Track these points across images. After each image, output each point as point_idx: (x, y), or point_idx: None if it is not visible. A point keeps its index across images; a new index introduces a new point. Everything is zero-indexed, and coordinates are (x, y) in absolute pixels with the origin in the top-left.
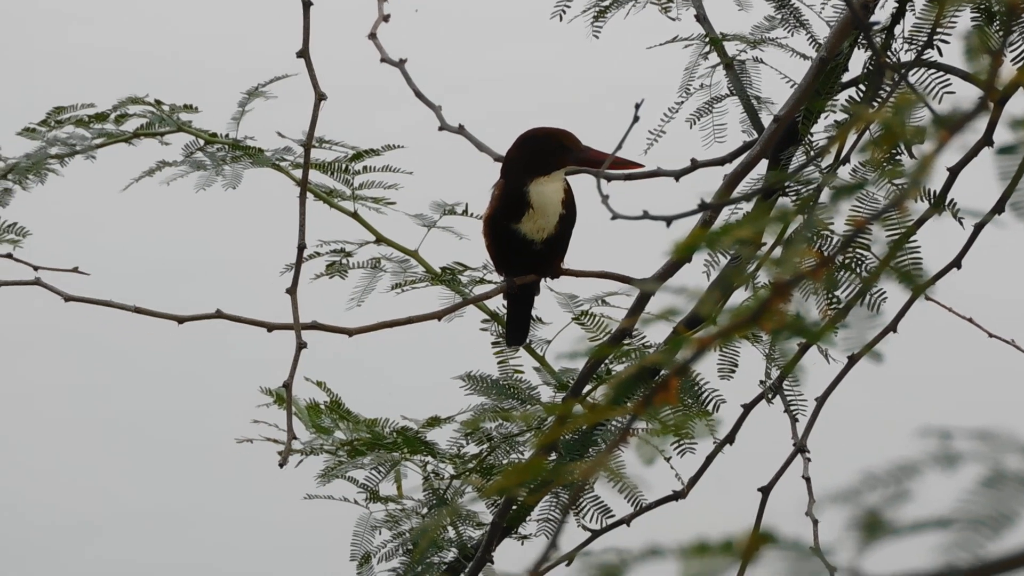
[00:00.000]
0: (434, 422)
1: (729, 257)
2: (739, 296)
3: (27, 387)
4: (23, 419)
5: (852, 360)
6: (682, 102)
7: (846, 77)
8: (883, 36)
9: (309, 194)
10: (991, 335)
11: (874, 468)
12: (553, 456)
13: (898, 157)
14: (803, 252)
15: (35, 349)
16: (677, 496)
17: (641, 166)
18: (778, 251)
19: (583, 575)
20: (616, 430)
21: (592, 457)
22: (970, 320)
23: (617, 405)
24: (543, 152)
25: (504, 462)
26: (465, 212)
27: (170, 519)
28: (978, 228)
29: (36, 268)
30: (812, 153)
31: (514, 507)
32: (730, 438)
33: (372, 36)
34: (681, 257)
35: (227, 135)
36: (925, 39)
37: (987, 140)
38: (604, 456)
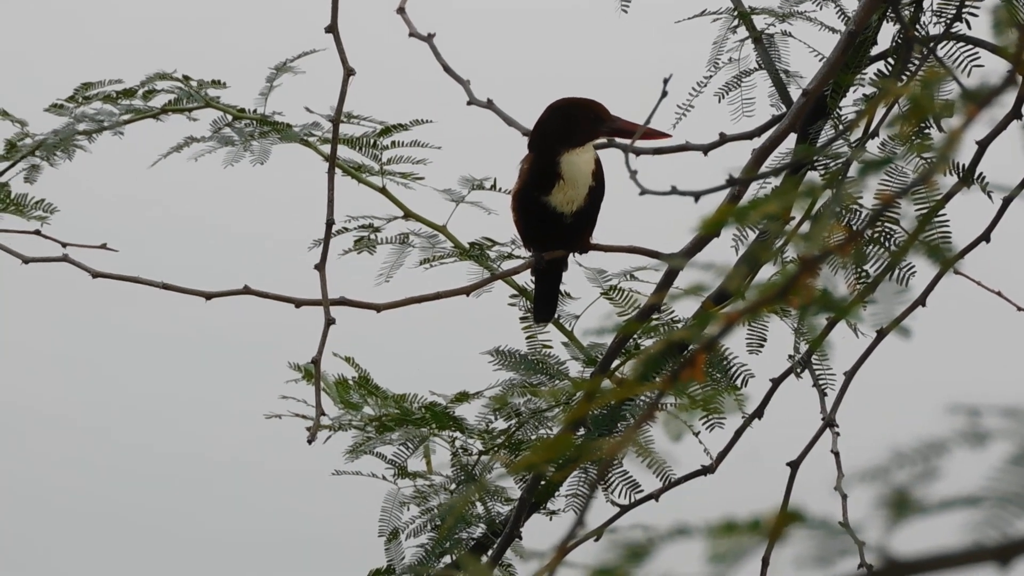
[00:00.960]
0: (462, 397)
1: (758, 232)
2: (767, 271)
3: (52, 361)
4: (48, 395)
5: (881, 334)
6: (710, 76)
7: (875, 50)
8: (912, 9)
9: (337, 170)
10: (1020, 308)
11: (902, 445)
12: (581, 431)
13: (927, 131)
14: (831, 227)
15: (63, 323)
16: (706, 471)
17: (670, 136)
18: (806, 226)
19: (610, 553)
20: (644, 405)
21: (620, 433)
22: (999, 294)
23: (645, 381)
24: (573, 122)
25: (532, 437)
26: (494, 187)
27: (195, 497)
28: (1007, 201)
29: (64, 244)
30: (841, 127)
31: (542, 483)
32: (759, 413)
33: (400, 11)
34: (709, 232)
35: (255, 110)
36: (954, 12)
37: (1016, 114)
38: (631, 432)
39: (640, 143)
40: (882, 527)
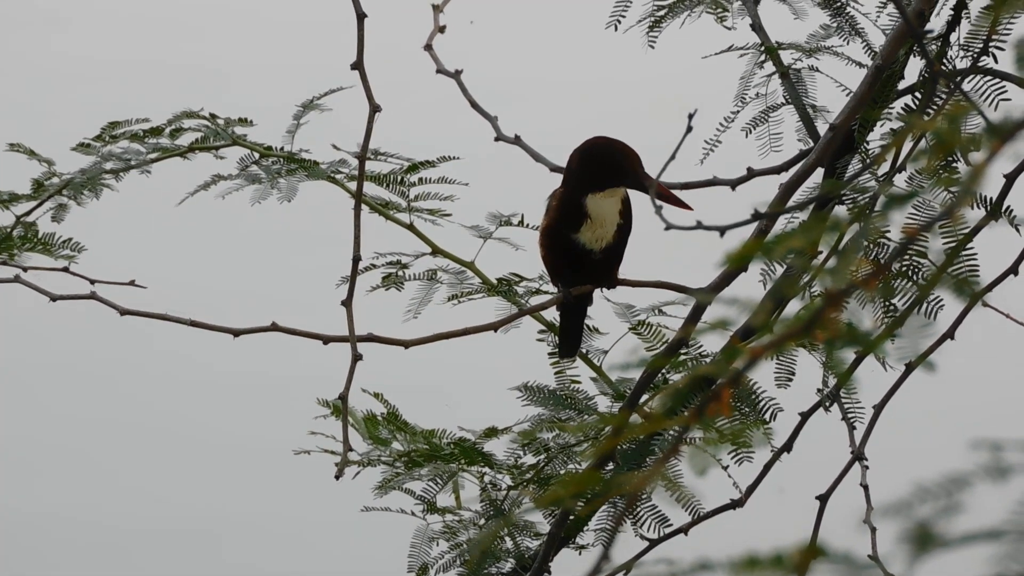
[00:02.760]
0: (491, 433)
1: (785, 267)
2: (794, 306)
3: (82, 399)
4: (82, 430)
5: (909, 367)
6: (738, 111)
7: (902, 85)
8: (939, 44)
9: (364, 206)
10: None
11: (925, 480)
12: (610, 466)
13: (954, 164)
14: (857, 262)
15: (91, 361)
16: (735, 504)
17: (690, 208)
18: (833, 261)
19: None
20: (672, 439)
21: (648, 467)
22: None
23: (671, 415)
24: (601, 169)
25: (561, 472)
26: (521, 223)
27: (224, 532)
28: None
29: (92, 282)
30: (867, 161)
31: (571, 517)
32: (787, 446)
33: (428, 47)
34: (735, 267)
35: (282, 148)
36: (980, 46)
37: None
38: (658, 467)
39: (666, 178)
40: (906, 561)
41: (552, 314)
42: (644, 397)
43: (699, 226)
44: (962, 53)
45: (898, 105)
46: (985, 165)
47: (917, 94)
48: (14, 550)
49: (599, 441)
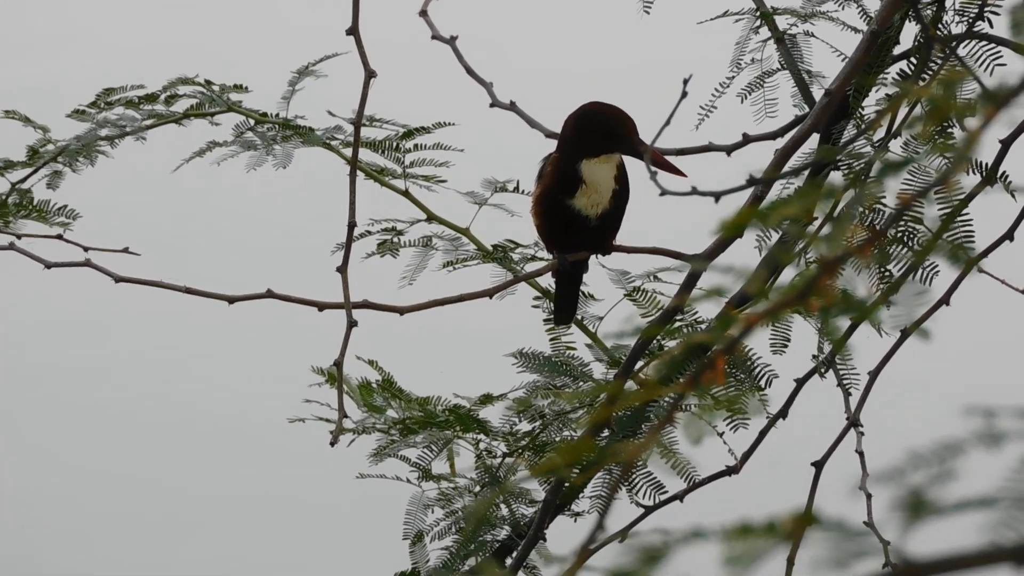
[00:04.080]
0: (486, 400)
1: (780, 233)
2: (789, 273)
3: (76, 368)
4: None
5: (905, 334)
6: (733, 77)
7: (897, 50)
8: (934, 8)
9: (360, 173)
10: None
11: (918, 447)
12: (605, 433)
13: (949, 130)
14: (851, 229)
15: (86, 329)
16: (730, 471)
17: (684, 175)
18: (828, 227)
19: (626, 556)
20: (667, 407)
21: (643, 434)
22: (1023, 292)
23: (667, 383)
24: (595, 134)
25: (557, 439)
26: (516, 189)
27: (217, 501)
28: None
29: (86, 249)
30: (863, 127)
31: (566, 484)
32: (783, 413)
33: (423, 13)
34: (730, 234)
35: (277, 114)
36: (976, 11)
37: None
38: (652, 435)
39: (660, 144)
40: (899, 528)
41: (547, 281)
42: (639, 364)
43: (694, 192)
44: (957, 18)
45: (893, 70)
46: (980, 132)
47: (913, 59)
48: None
49: (594, 408)
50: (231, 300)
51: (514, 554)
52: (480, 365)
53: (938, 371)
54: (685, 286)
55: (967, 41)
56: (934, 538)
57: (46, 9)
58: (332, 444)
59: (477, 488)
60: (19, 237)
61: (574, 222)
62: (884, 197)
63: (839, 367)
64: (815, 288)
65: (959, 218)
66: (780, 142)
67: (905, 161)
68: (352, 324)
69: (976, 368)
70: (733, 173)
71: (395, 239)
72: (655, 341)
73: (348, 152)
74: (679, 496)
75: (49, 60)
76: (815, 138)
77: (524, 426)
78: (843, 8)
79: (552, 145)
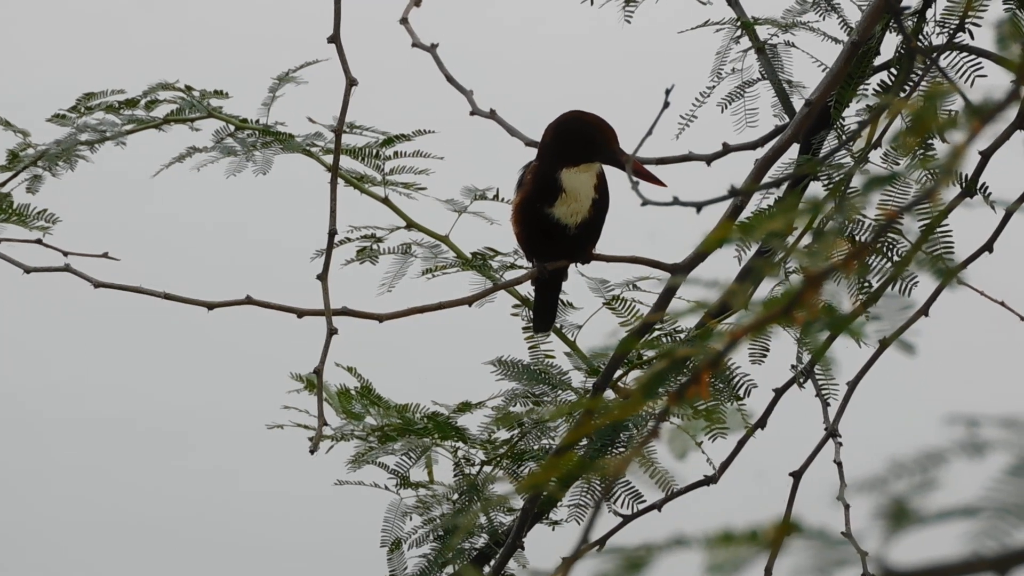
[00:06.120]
0: (465, 407)
1: (760, 244)
2: (769, 284)
3: (54, 374)
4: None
5: (883, 344)
6: (714, 86)
7: (878, 61)
8: (915, 20)
9: (340, 179)
10: (1023, 318)
11: (901, 456)
12: (584, 442)
13: (930, 142)
14: (835, 243)
15: (64, 334)
16: (709, 481)
17: (664, 185)
18: (808, 239)
19: (607, 564)
20: (648, 419)
21: (623, 443)
22: (1002, 304)
23: (651, 396)
24: (575, 143)
25: (535, 448)
26: (496, 197)
27: (195, 507)
28: (1010, 212)
29: (66, 254)
30: (844, 137)
31: (544, 493)
32: (762, 423)
33: (404, 21)
34: (711, 248)
35: (257, 121)
36: (957, 22)
37: (1019, 124)
38: (636, 450)
39: (642, 154)
40: (880, 537)
41: (527, 288)
42: (618, 372)
43: (676, 202)
44: (938, 29)
45: (874, 81)
46: (966, 146)
47: (893, 70)
48: None
49: (573, 418)
50: (210, 306)
51: (492, 562)
52: (459, 373)
53: (916, 383)
54: (660, 302)
55: (948, 52)
56: (916, 547)
57: (26, 13)
58: (312, 452)
59: (455, 496)
60: None
61: (553, 231)
62: (864, 209)
63: (818, 377)
64: (800, 302)
65: (938, 230)
66: (760, 152)
67: (890, 176)
68: (332, 332)
69: (954, 380)
70: (713, 183)
71: (374, 246)
72: (633, 351)
73: (328, 159)
74: (658, 505)
75: (30, 65)
76: (795, 148)
77: (503, 434)
78: (824, 19)
79: (532, 153)
